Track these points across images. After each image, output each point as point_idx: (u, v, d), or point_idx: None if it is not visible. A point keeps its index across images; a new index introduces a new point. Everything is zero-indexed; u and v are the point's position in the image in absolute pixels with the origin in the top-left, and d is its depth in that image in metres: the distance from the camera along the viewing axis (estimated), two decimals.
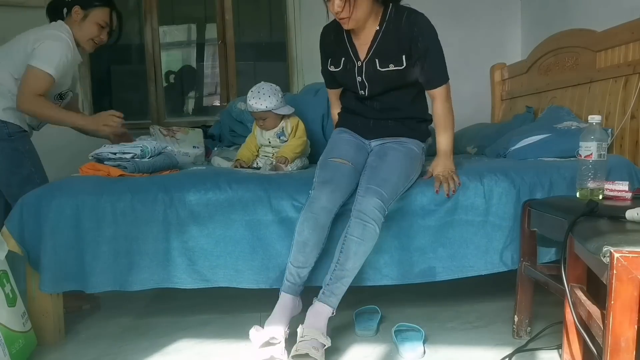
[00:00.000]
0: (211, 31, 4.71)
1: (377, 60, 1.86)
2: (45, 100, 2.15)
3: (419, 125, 1.99)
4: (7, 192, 2.21)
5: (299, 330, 1.63)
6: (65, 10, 2.27)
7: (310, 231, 1.72)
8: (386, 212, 1.72)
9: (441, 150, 1.94)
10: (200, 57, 5.36)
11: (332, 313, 1.68)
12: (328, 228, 1.75)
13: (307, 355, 1.55)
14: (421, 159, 1.95)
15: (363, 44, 1.89)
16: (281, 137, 2.36)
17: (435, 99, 1.92)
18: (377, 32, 1.85)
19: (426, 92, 1.96)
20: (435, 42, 1.86)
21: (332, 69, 1.97)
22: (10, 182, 2.19)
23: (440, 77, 1.89)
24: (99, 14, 2.25)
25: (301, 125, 2.39)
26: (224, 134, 3.01)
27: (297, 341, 1.59)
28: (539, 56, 3.08)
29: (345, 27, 1.83)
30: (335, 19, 1.84)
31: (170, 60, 5.20)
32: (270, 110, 2.28)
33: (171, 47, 5.38)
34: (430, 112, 2.02)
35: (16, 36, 2.23)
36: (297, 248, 1.73)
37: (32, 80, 2.10)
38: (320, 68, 2.07)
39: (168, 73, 5.13)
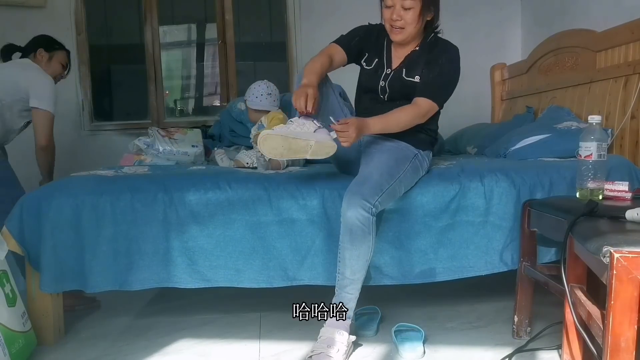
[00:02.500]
0: (211, 31, 4.71)
1: (404, 69, 1.91)
2: (54, 148, 2.45)
3: (417, 134, 1.91)
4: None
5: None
6: (22, 54, 2.51)
7: None
8: (374, 209, 1.66)
9: (370, 119, 1.77)
10: (200, 57, 5.36)
11: (350, 321, 1.68)
12: None
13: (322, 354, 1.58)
14: (413, 161, 1.87)
15: (398, 57, 1.95)
16: (260, 129, 2.43)
17: (413, 104, 1.83)
18: (414, 51, 1.93)
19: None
20: (453, 69, 1.90)
21: (364, 65, 1.99)
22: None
23: (434, 93, 1.84)
24: (61, 56, 2.56)
25: (277, 115, 2.47)
26: (224, 134, 3.01)
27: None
28: (539, 56, 3.09)
29: (394, 37, 1.88)
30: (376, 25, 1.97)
31: (170, 60, 5.20)
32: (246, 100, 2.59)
33: (171, 47, 5.38)
34: (439, 131, 2.05)
35: None
36: None
37: (43, 123, 2.37)
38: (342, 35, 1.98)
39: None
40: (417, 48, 1.92)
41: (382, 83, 1.93)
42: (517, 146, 2.38)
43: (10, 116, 2.39)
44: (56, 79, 2.54)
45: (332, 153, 1.66)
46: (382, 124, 1.78)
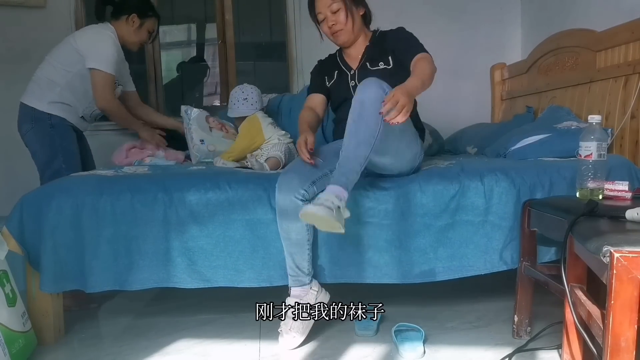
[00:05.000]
0: (211, 31, 4.71)
1: (368, 63, 2.04)
2: (118, 105, 2.50)
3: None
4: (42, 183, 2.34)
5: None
6: (113, 11, 2.53)
7: None
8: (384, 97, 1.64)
9: (406, 83, 1.76)
10: (200, 57, 5.36)
11: (346, 191, 1.61)
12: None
13: (323, 206, 1.52)
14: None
15: (354, 59, 2.11)
16: (236, 136, 2.51)
17: (418, 58, 1.91)
18: (368, 47, 2.10)
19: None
20: (406, 31, 2.05)
21: (327, 84, 2.12)
22: (43, 175, 2.38)
23: (417, 46, 1.97)
24: (151, 23, 2.58)
25: (245, 124, 2.47)
26: None
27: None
28: (539, 56, 3.08)
29: (340, 40, 2.06)
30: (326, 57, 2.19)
31: (170, 60, 5.20)
32: None
33: (171, 47, 5.38)
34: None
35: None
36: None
37: (98, 82, 2.39)
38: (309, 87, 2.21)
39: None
40: (369, 44, 2.10)
41: (352, 83, 2.05)
42: (517, 146, 2.38)
43: (82, 84, 2.42)
44: (138, 45, 2.57)
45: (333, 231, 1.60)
46: (418, 80, 1.78)
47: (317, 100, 2.15)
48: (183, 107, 2.70)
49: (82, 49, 2.38)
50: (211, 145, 2.56)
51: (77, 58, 2.39)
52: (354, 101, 1.68)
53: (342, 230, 1.57)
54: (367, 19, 2.11)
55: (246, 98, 2.50)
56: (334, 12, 2.00)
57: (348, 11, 2.00)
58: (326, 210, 1.52)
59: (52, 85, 2.41)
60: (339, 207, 1.56)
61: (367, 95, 1.65)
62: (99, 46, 2.39)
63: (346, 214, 1.59)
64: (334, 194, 1.57)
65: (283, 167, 2.22)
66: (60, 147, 2.39)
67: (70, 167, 2.37)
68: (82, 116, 2.51)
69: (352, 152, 1.65)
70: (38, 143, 2.41)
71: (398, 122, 1.61)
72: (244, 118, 2.51)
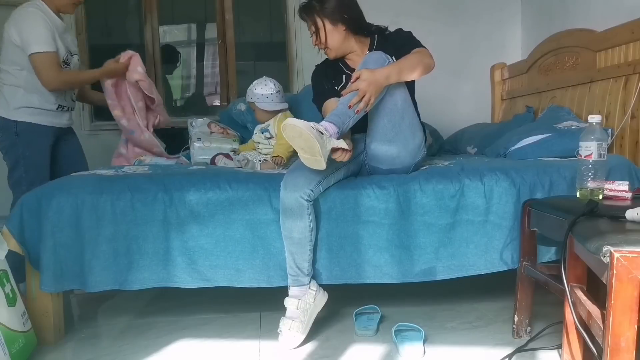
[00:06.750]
0: (211, 31, 4.72)
1: None
2: (66, 71, 2.35)
3: None
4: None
5: None
6: None
7: None
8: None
9: (381, 69, 1.80)
10: (200, 57, 5.37)
11: (335, 126, 1.66)
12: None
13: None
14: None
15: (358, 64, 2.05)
16: (264, 133, 2.42)
17: (412, 52, 1.94)
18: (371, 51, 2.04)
19: None
20: (404, 31, 2.07)
21: (337, 88, 2.08)
22: (8, 183, 2.32)
23: (414, 43, 1.99)
24: None
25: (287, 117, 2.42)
26: None
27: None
28: (539, 56, 3.09)
29: (328, 56, 2.08)
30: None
31: None
32: (253, 102, 2.42)
33: None
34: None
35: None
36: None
37: (41, 65, 2.24)
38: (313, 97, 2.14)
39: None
40: (372, 49, 2.06)
41: None
42: (517, 146, 2.38)
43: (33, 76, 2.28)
44: (71, 6, 2.38)
45: (314, 167, 1.65)
46: (395, 68, 1.82)
47: (331, 103, 2.03)
48: (189, 120, 2.69)
49: (16, 39, 2.23)
50: (207, 142, 2.57)
51: (19, 51, 2.25)
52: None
53: (320, 158, 1.58)
54: (353, 28, 2.04)
55: (278, 91, 2.44)
56: (314, 33, 2.04)
57: (325, 32, 2.00)
58: (310, 128, 1.55)
59: (14, 90, 2.30)
60: (322, 134, 1.59)
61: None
62: (26, 29, 2.21)
63: (332, 143, 1.63)
64: (322, 125, 1.63)
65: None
66: (23, 156, 2.30)
67: (30, 176, 2.28)
68: (59, 107, 2.39)
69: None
70: (4, 151, 2.34)
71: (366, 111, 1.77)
72: (272, 113, 2.42)
